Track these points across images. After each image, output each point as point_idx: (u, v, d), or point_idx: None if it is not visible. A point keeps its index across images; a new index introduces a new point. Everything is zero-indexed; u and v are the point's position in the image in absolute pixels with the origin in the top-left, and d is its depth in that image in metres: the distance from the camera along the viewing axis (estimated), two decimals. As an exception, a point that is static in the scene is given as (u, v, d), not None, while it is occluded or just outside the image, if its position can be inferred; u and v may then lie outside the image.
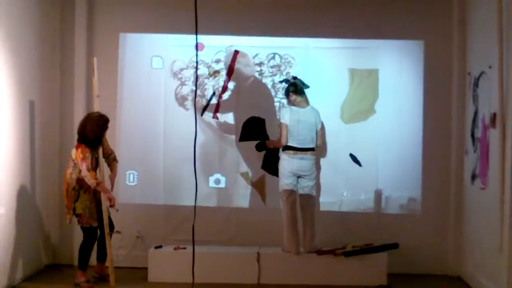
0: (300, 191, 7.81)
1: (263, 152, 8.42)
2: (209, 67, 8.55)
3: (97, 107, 7.45)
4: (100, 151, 7.36)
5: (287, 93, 7.92)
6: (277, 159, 7.98)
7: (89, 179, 7.08)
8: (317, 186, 8.11)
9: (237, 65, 8.54)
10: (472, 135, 7.71)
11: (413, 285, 7.79)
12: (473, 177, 7.61)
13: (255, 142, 8.44)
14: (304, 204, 7.84)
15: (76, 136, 7.34)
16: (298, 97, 7.86)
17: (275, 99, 8.52)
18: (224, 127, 8.56)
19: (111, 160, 7.54)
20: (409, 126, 8.41)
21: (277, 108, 8.47)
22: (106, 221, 7.26)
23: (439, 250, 8.28)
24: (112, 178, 7.52)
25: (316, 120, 7.87)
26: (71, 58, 8.47)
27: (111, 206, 7.26)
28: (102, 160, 7.39)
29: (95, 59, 7.60)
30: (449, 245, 8.26)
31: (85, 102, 8.39)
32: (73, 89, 8.47)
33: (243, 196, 8.56)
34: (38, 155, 8.08)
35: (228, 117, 8.58)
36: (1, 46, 7.00)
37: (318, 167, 8.16)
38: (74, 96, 8.45)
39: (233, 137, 8.55)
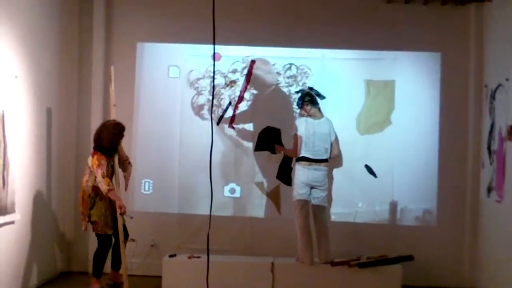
0: (313, 202, 7.79)
1: (278, 162, 8.42)
2: (225, 77, 8.57)
3: (113, 116, 7.48)
4: (116, 159, 7.38)
5: (301, 104, 7.91)
6: (291, 169, 7.98)
7: (102, 185, 7.09)
8: (329, 197, 8.10)
9: (258, 72, 8.55)
10: (489, 148, 7.68)
11: (427, 297, 7.76)
12: (489, 189, 7.57)
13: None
14: (316, 214, 7.82)
15: (92, 144, 7.38)
16: (313, 108, 7.86)
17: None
18: (242, 134, 8.56)
19: (126, 164, 7.56)
20: (425, 137, 8.39)
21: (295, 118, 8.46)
22: (120, 229, 7.27)
23: (454, 263, 8.23)
24: (127, 176, 7.51)
25: (330, 131, 7.86)
26: (88, 67, 8.54)
27: (121, 214, 7.26)
28: (118, 169, 7.42)
29: (112, 68, 7.63)
30: (464, 258, 8.22)
31: (102, 111, 8.44)
32: (90, 98, 8.52)
33: (258, 206, 8.56)
34: (55, 162, 8.13)
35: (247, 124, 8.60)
36: (20, 54, 7.07)
37: (330, 178, 8.15)
38: (91, 105, 8.51)
39: (249, 146, 8.55)
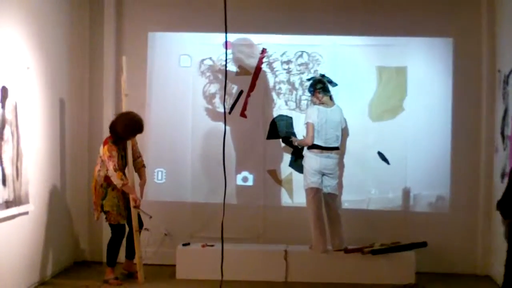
0: (324, 190, 7.80)
1: (291, 150, 8.42)
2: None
3: (125, 106, 7.51)
4: (130, 151, 7.40)
5: (313, 91, 7.90)
6: (303, 157, 7.98)
7: (116, 179, 7.12)
8: (340, 184, 8.11)
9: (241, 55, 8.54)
10: (502, 133, 7.64)
11: (441, 284, 7.73)
12: (503, 175, 7.53)
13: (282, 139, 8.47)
14: (329, 203, 7.84)
15: (105, 134, 7.40)
16: (325, 95, 7.85)
17: (303, 97, 8.51)
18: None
19: (140, 165, 7.57)
20: (437, 123, 8.35)
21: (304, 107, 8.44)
22: (135, 219, 7.31)
23: (467, 249, 8.21)
24: (142, 185, 7.54)
25: (341, 118, 7.87)
26: (100, 57, 8.55)
27: (135, 207, 7.30)
28: (131, 160, 7.44)
29: (124, 58, 7.66)
30: (478, 244, 8.19)
31: (114, 101, 8.46)
32: (102, 88, 8.54)
33: (270, 194, 8.56)
34: (68, 153, 8.16)
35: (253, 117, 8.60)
36: (32, 45, 7.09)
37: (341, 165, 8.14)
38: (103, 95, 8.52)
39: (261, 134, 8.54)
